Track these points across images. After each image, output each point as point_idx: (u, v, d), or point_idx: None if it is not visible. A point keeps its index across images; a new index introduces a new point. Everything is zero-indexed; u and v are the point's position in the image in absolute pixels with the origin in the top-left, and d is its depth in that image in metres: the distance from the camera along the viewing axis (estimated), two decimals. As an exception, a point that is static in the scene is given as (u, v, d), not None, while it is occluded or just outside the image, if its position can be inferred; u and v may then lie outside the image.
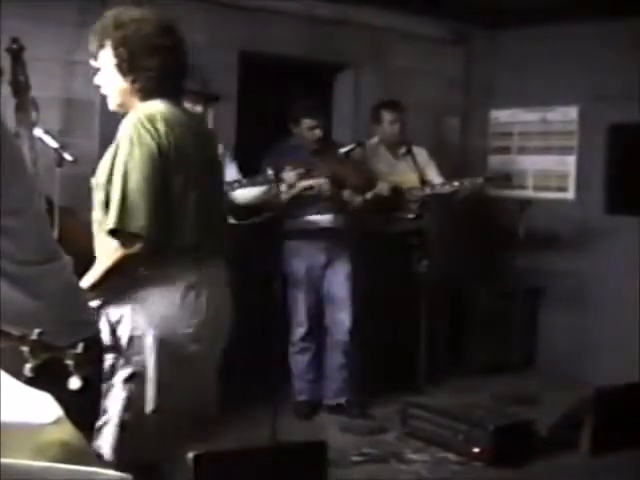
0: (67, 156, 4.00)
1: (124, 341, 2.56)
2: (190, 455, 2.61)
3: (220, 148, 4.79)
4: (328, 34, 5.94)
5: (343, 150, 5.01)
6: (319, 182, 5.02)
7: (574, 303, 6.32)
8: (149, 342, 2.55)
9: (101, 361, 2.21)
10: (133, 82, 2.62)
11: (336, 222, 5.21)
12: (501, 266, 6.50)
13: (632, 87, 5.92)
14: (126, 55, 2.58)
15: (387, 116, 5.63)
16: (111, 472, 1.54)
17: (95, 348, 1.93)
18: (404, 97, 5.79)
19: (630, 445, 3.18)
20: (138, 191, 2.48)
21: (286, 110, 5.24)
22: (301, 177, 4.80)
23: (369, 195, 5.34)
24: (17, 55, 3.98)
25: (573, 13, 5.78)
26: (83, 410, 1.66)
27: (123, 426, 2.55)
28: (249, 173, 4.86)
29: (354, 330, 5.17)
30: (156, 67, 2.60)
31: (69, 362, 1.66)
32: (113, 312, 2.57)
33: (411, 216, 5.49)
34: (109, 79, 2.66)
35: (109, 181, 2.54)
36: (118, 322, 2.57)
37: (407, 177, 5.55)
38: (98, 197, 2.61)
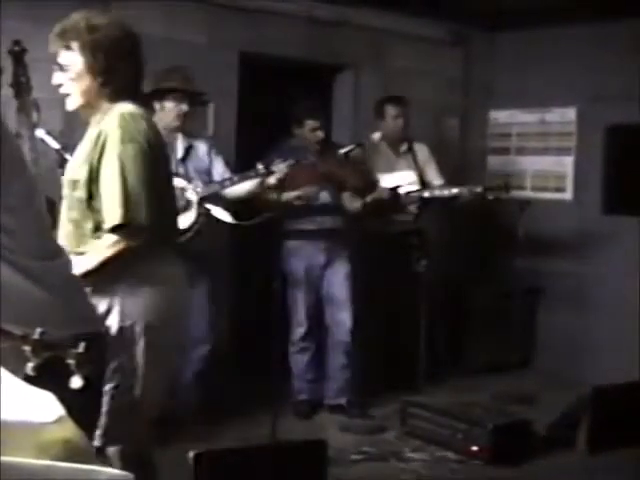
0: (68, 157, 4.01)
1: (114, 331, 2.61)
2: (190, 454, 2.64)
3: (204, 144, 4.81)
4: (328, 35, 5.94)
5: (343, 151, 5.02)
6: (308, 191, 5.00)
7: (573, 303, 6.32)
8: (138, 332, 2.63)
9: (104, 360, 2.22)
10: (103, 84, 2.70)
11: (335, 223, 5.22)
12: (501, 266, 6.52)
13: (630, 88, 5.93)
14: (101, 58, 2.66)
15: (391, 111, 5.62)
16: (113, 470, 1.56)
17: (97, 347, 1.94)
18: (404, 98, 5.80)
19: (627, 444, 3.20)
20: (139, 186, 2.59)
21: (286, 111, 5.24)
22: (291, 168, 4.70)
23: (369, 199, 5.35)
24: (19, 57, 3.98)
25: (571, 15, 5.79)
26: (85, 409, 1.67)
27: (111, 415, 2.58)
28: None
29: (355, 330, 5.18)
30: (127, 70, 2.72)
31: (71, 361, 1.68)
32: (102, 303, 2.61)
33: (410, 217, 5.51)
34: (74, 80, 2.72)
35: (93, 179, 2.63)
36: (107, 312, 2.63)
37: (406, 175, 5.57)
38: (77, 195, 2.68)
